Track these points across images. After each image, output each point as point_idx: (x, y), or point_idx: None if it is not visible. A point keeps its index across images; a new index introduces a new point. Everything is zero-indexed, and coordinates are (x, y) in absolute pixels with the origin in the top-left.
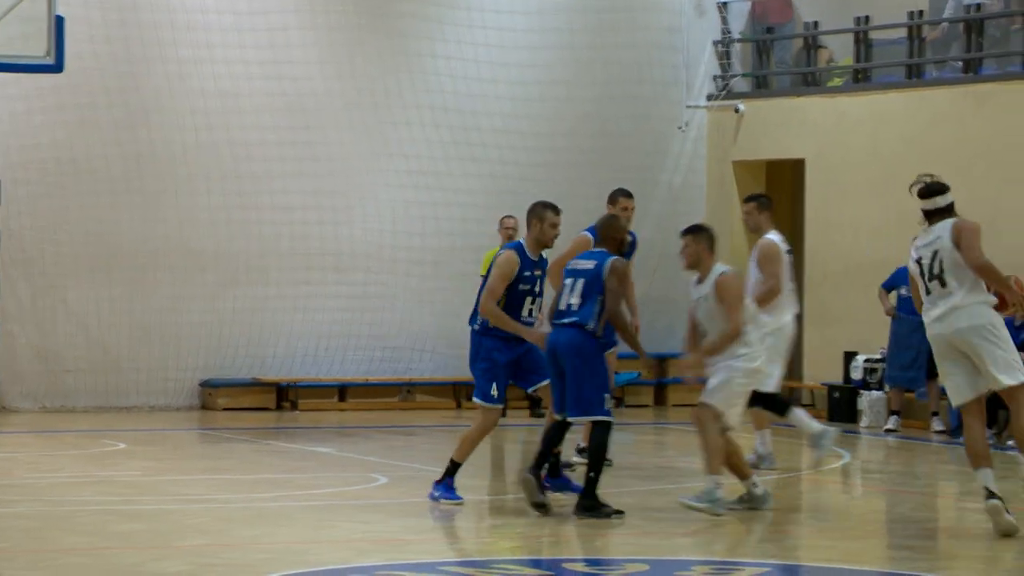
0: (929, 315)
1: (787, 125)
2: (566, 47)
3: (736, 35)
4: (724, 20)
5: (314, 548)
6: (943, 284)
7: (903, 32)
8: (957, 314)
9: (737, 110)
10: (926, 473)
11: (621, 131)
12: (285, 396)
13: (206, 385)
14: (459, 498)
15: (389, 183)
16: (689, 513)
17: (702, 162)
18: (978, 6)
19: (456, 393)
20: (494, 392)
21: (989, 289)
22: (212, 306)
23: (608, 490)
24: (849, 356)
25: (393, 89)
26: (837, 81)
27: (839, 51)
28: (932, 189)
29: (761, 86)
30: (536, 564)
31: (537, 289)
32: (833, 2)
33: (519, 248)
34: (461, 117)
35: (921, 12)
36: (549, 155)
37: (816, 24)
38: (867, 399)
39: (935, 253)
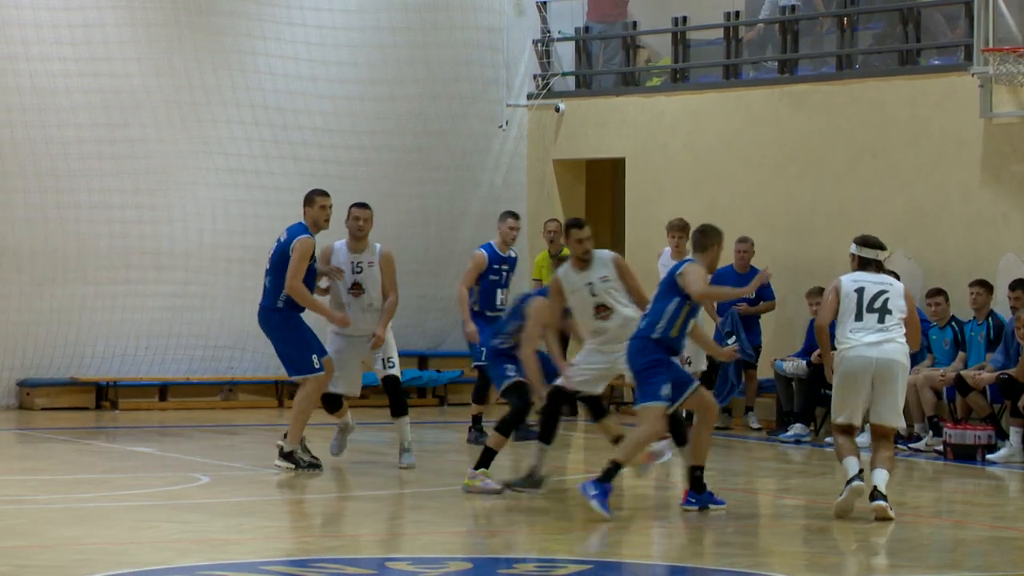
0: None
1: (607, 124)
2: (387, 46)
3: (555, 34)
4: (544, 20)
5: (134, 549)
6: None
7: (720, 33)
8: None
9: (557, 109)
10: (744, 471)
11: (442, 130)
12: (105, 396)
13: (23, 385)
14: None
15: (209, 181)
16: (514, 514)
17: (523, 161)
18: (793, 8)
19: (279, 392)
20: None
21: None
22: (29, 305)
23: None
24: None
25: (212, 87)
26: (656, 81)
27: (659, 51)
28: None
29: (582, 85)
30: (359, 563)
31: (502, 281)
32: (652, 2)
33: (489, 247)
34: (281, 115)
35: (738, 13)
36: (371, 154)
37: (635, 24)
38: None
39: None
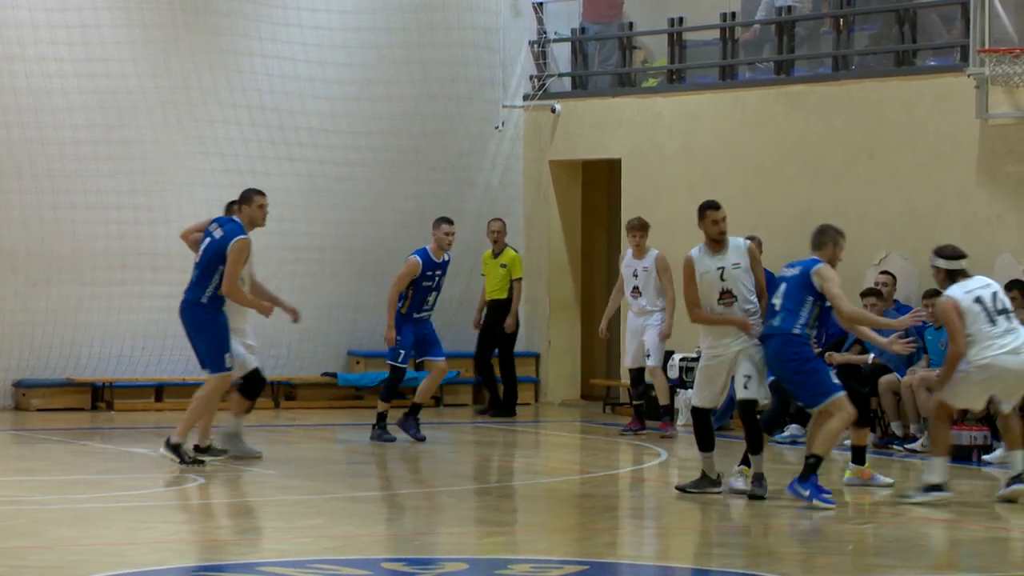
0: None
1: (603, 125)
2: (383, 46)
3: (552, 35)
4: (540, 20)
5: (131, 549)
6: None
7: (716, 34)
8: None
9: (554, 110)
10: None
11: (438, 131)
12: (100, 396)
13: (19, 385)
14: (832, 502)
15: (205, 182)
16: (508, 513)
17: (519, 162)
18: (789, 8)
19: (274, 392)
20: (835, 379)
21: None
22: (24, 306)
23: (425, 489)
24: (666, 355)
25: (209, 87)
26: (652, 82)
27: (655, 52)
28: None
29: (578, 86)
30: (355, 564)
31: (435, 286)
32: (648, 3)
33: (424, 253)
34: (278, 116)
35: (734, 14)
36: (367, 154)
37: (631, 25)
38: (683, 398)
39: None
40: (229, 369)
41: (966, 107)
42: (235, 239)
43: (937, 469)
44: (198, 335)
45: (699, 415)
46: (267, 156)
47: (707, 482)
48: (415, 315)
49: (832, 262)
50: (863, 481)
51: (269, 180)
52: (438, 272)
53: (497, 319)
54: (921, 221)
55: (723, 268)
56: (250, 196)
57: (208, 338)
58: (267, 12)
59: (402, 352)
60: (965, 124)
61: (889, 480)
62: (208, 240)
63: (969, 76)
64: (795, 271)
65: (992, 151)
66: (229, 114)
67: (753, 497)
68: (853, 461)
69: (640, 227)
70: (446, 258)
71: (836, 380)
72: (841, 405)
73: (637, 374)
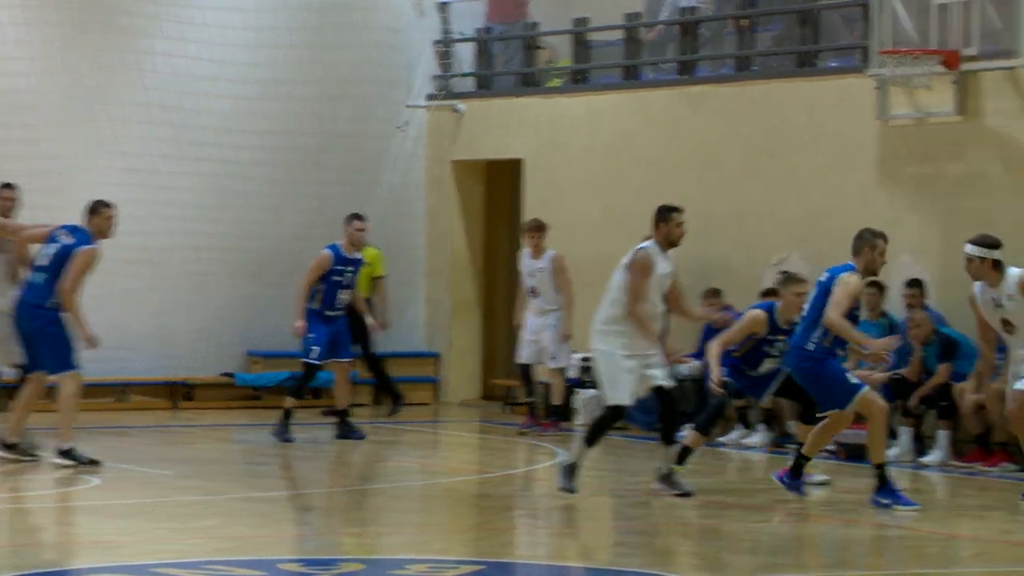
0: None
1: (506, 125)
2: (286, 46)
3: (456, 35)
4: (445, 20)
5: (23, 551)
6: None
7: (620, 34)
8: None
9: (456, 110)
10: (641, 471)
11: (342, 131)
12: None
13: None
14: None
15: (106, 181)
16: (405, 513)
17: (421, 162)
18: (693, 9)
19: (172, 394)
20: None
21: None
22: None
23: (323, 490)
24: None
25: (111, 86)
26: (556, 82)
27: (559, 52)
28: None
29: (482, 86)
30: (251, 564)
31: (347, 282)
32: (553, 3)
33: (335, 248)
34: (181, 115)
35: (638, 15)
36: (271, 154)
37: (536, 25)
38: (582, 397)
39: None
40: (79, 367)
41: (867, 108)
42: (85, 247)
43: None
44: (43, 339)
45: (618, 413)
46: (169, 155)
47: (572, 473)
48: (327, 313)
49: (871, 269)
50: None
51: (172, 179)
52: (349, 268)
53: (359, 318)
54: (821, 222)
55: (673, 272)
56: (98, 207)
57: (55, 341)
58: (170, 11)
59: (316, 349)
60: (866, 125)
61: (825, 478)
62: (57, 246)
63: (870, 77)
64: (825, 277)
65: (892, 152)
66: (131, 113)
67: (564, 490)
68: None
69: (537, 228)
70: (358, 255)
71: (855, 379)
72: (867, 402)
73: (524, 370)
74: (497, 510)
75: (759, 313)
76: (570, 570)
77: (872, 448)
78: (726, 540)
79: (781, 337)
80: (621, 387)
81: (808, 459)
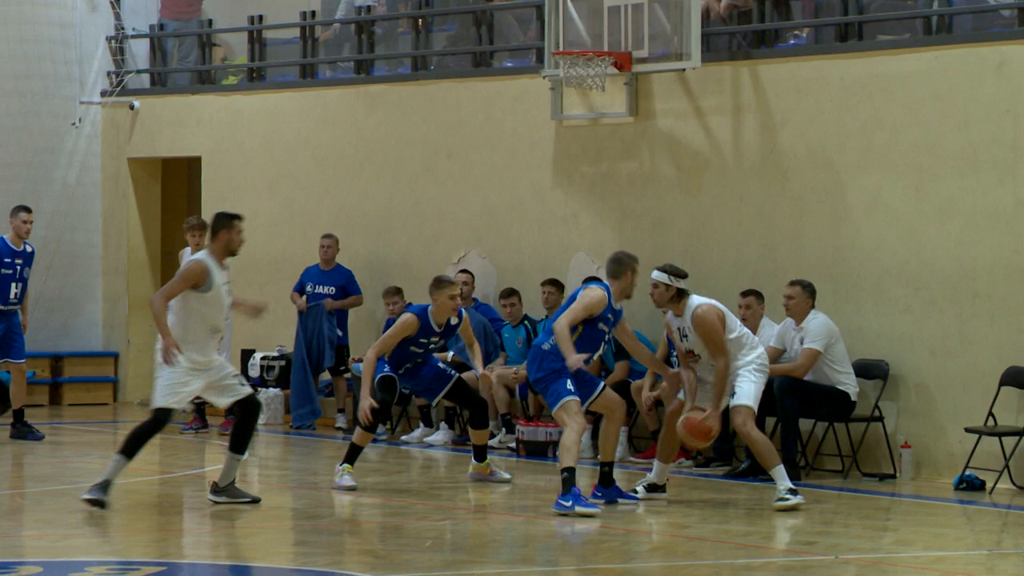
0: None
1: (183, 123)
2: None
3: (130, 31)
4: (118, 16)
5: None
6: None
7: (297, 32)
8: None
9: (132, 107)
10: (322, 470)
11: (12, 127)
12: None
13: None
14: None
15: None
16: (85, 515)
17: (96, 159)
18: (368, 8)
19: None
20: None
21: None
22: None
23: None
24: (247, 354)
25: None
26: (233, 80)
27: (235, 50)
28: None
29: (157, 83)
30: None
31: (17, 276)
32: (227, 1)
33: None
34: None
35: (314, 13)
36: None
37: (211, 22)
38: (264, 396)
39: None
40: None
41: (542, 108)
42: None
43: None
44: None
45: (166, 416)
46: None
47: (106, 488)
48: (0, 308)
49: (626, 292)
50: (483, 476)
51: None
52: (18, 261)
53: None
54: (499, 220)
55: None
56: None
57: None
58: None
59: None
60: (541, 125)
61: (507, 476)
62: None
63: (544, 78)
64: (580, 288)
65: (567, 151)
66: None
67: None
68: (475, 459)
69: (199, 227)
70: (28, 248)
71: (571, 387)
72: (567, 410)
73: None
74: (178, 511)
75: (410, 316)
76: (252, 570)
77: (562, 452)
78: (407, 538)
79: (435, 338)
80: (172, 393)
81: (611, 464)
